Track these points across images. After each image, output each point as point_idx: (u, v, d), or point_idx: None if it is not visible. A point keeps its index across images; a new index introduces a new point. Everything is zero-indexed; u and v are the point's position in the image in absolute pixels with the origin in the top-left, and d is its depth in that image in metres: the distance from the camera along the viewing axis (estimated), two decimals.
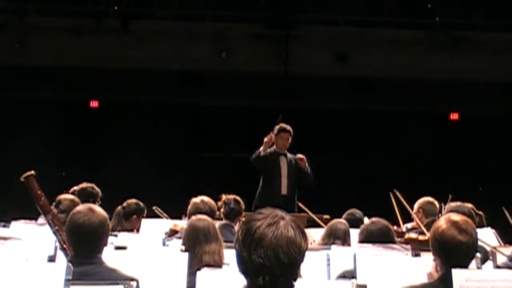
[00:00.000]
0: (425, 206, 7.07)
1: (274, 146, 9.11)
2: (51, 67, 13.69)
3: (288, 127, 9.09)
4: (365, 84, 14.03)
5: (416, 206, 7.13)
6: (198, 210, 6.23)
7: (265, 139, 8.97)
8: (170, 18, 14.66)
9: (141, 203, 7.38)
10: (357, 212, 7.33)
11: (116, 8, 14.22)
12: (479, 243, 4.31)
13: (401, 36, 14.02)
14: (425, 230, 6.66)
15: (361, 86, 14.07)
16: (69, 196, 6.51)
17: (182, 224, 6.94)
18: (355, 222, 6.64)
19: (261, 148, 8.97)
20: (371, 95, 14.02)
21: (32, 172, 4.61)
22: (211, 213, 6.42)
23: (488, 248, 5.69)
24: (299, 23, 14.21)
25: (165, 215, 7.90)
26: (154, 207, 7.92)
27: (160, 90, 14.03)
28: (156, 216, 7.77)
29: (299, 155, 9.05)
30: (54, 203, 6.02)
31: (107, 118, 14.33)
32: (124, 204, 7.34)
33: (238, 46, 14.00)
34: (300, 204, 8.58)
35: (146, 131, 13.85)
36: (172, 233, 6.75)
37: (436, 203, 7.08)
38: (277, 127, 9.07)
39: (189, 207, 6.62)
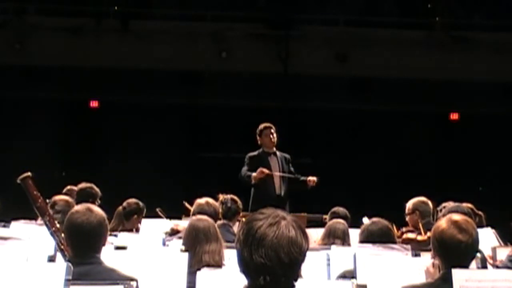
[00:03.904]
0: (421, 207, 6.90)
1: (262, 148, 9.03)
2: (51, 67, 13.68)
3: (267, 124, 9.01)
4: (365, 84, 14.03)
5: (410, 206, 6.96)
6: (202, 211, 6.20)
7: (260, 171, 8.78)
8: (170, 18, 14.66)
9: (140, 203, 7.38)
10: (341, 210, 7.42)
11: (116, 8, 14.22)
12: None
13: (401, 36, 14.01)
14: (422, 231, 6.66)
15: (361, 86, 14.07)
16: (64, 197, 6.51)
17: (183, 224, 6.94)
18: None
19: (254, 175, 8.78)
20: (371, 95, 14.02)
21: (29, 173, 4.56)
22: (215, 215, 6.41)
23: (485, 253, 5.68)
24: (299, 23, 14.21)
25: (165, 217, 7.87)
26: (158, 209, 7.90)
27: (160, 90, 14.01)
28: (156, 216, 7.76)
29: (310, 178, 8.88)
30: (49, 204, 6.00)
31: (107, 118, 14.32)
32: (124, 204, 7.33)
33: (238, 46, 13.99)
34: None
35: (146, 131, 13.84)
36: (174, 232, 6.75)
37: (430, 202, 6.95)
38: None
39: (194, 207, 6.59)
